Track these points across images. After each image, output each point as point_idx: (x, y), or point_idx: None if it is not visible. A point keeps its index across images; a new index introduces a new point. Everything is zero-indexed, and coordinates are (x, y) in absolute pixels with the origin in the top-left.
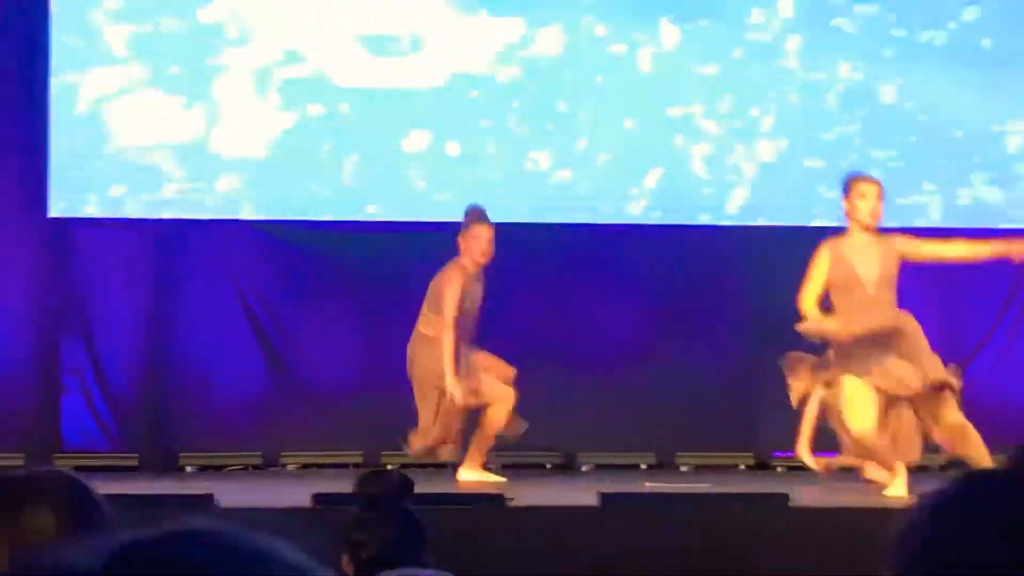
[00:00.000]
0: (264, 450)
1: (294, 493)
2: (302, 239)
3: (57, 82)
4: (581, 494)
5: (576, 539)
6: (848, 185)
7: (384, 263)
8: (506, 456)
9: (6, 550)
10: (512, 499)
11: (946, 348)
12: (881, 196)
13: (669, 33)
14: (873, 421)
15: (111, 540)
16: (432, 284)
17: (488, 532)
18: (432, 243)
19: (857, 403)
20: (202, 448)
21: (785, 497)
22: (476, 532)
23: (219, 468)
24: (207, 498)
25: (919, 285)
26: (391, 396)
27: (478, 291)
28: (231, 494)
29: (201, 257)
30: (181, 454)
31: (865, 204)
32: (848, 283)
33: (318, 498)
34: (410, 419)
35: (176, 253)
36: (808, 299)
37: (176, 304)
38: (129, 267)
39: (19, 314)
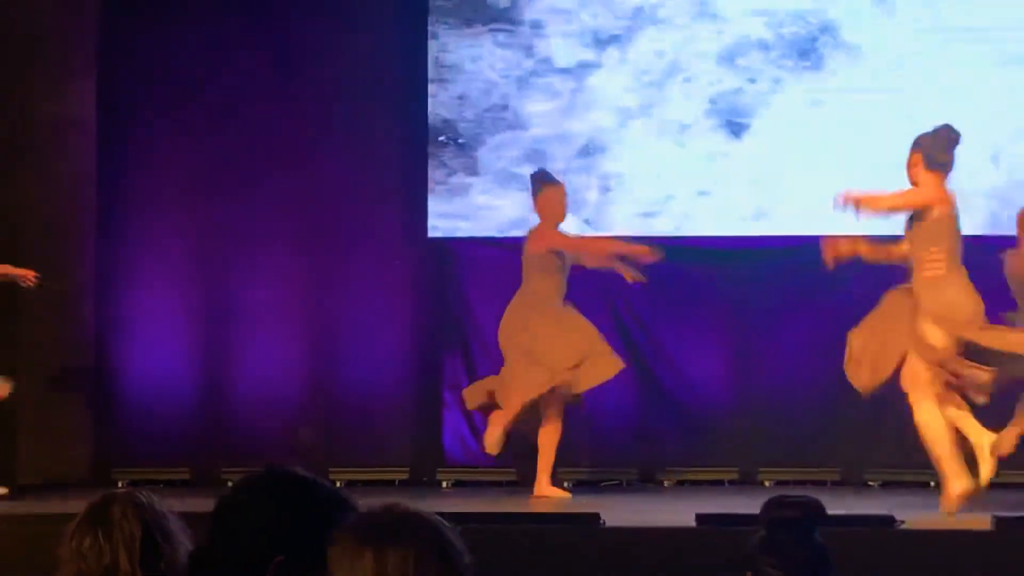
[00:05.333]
0: (640, 467)
1: (674, 511)
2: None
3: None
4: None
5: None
6: None
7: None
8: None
9: None
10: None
11: None
12: None
13: None
14: None
15: None
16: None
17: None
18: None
19: None
20: (575, 464)
21: None
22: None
23: (595, 484)
24: (594, 516)
25: None
26: (764, 412)
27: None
28: (613, 511)
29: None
30: (560, 470)
31: None
32: None
33: (701, 518)
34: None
35: None
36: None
37: None
38: (504, 285)
39: (403, 332)
